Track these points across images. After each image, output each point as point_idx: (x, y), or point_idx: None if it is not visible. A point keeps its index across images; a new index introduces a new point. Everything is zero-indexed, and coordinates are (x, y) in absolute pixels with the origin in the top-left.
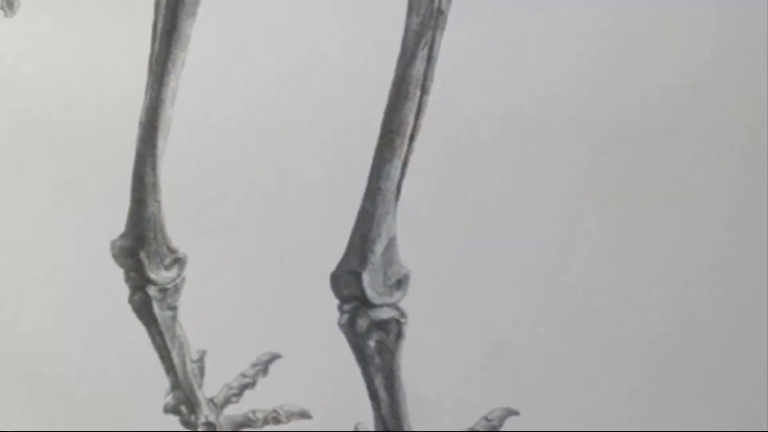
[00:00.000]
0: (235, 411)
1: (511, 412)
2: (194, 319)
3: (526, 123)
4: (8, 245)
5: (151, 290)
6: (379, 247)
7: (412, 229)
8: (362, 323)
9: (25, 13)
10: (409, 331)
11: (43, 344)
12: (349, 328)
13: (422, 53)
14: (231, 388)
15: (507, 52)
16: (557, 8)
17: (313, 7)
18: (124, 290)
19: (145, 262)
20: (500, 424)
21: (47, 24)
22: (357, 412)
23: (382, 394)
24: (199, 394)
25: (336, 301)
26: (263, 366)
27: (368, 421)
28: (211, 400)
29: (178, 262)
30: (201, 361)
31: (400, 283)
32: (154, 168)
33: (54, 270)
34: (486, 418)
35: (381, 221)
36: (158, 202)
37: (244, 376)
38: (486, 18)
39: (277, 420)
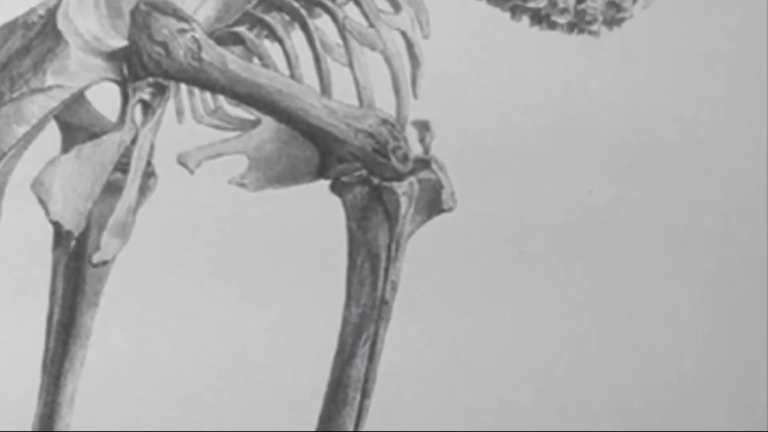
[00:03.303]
0: None
1: None
2: None
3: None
4: None
5: None
6: None
7: None
8: None
9: None
10: None
11: None
12: None
13: (363, 350)
14: None
15: (462, 350)
16: (524, 295)
17: (235, 298)
18: None
19: None
20: None
21: None
22: None
23: None
24: None
25: None
26: None
27: None
28: None
29: None
30: None
31: None
32: None
33: None
34: None
35: None
36: None
37: None
38: (438, 311)
39: None
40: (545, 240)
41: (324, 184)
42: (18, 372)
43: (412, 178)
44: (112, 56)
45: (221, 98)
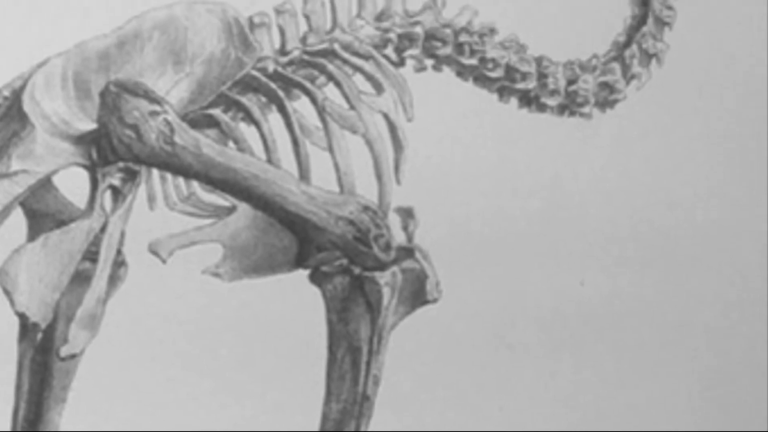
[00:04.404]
0: None
1: None
2: None
3: None
4: None
5: None
6: None
7: None
8: None
9: None
10: None
11: None
12: None
13: None
14: None
15: None
16: (512, 391)
17: (209, 394)
18: None
19: None
20: None
21: None
22: None
23: None
24: None
25: None
26: None
27: None
28: None
29: None
30: None
31: None
32: None
33: None
34: None
35: None
36: None
37: None
38: (422, 406)
39: None
40: (534, 333)
41: (303, 274)
42: None
43: (395, 268)
44: (80, 140)
45: (195, 184)
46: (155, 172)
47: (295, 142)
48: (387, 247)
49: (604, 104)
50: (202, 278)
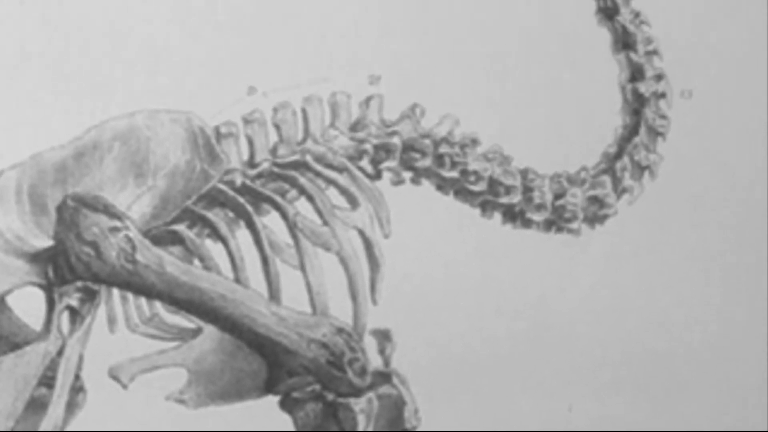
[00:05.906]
0: None
1: None
2: None
3: None
4: None
5: None
6: None
7: None
8: None
9: None
10: None
11: None
12: None
13: None
14: None
15: None
16: None
17: None
18: None
19: None
20: None
21: None
22: None
23: None
24: None
25: None
26: None
27: None
28: None
29: None
30: None
31: None
32: None
33: None
34: None
35: None
36: None
37: None
38: None
39: None
40: None
41: (272, 400)
42: None
43: (370, 394)
44: (36, 257)
45: (158, 304)
46: (116, 291)
47: (265, 260)
48: (362, 371)
49: (594, 219)
50: (166, 405)
